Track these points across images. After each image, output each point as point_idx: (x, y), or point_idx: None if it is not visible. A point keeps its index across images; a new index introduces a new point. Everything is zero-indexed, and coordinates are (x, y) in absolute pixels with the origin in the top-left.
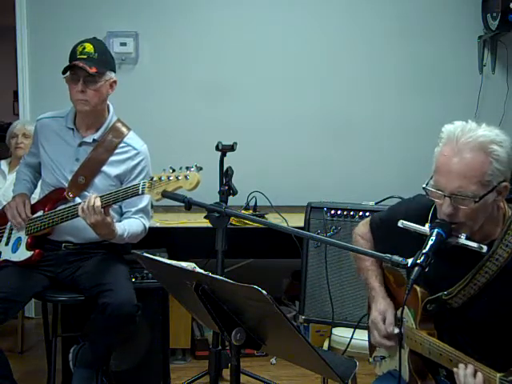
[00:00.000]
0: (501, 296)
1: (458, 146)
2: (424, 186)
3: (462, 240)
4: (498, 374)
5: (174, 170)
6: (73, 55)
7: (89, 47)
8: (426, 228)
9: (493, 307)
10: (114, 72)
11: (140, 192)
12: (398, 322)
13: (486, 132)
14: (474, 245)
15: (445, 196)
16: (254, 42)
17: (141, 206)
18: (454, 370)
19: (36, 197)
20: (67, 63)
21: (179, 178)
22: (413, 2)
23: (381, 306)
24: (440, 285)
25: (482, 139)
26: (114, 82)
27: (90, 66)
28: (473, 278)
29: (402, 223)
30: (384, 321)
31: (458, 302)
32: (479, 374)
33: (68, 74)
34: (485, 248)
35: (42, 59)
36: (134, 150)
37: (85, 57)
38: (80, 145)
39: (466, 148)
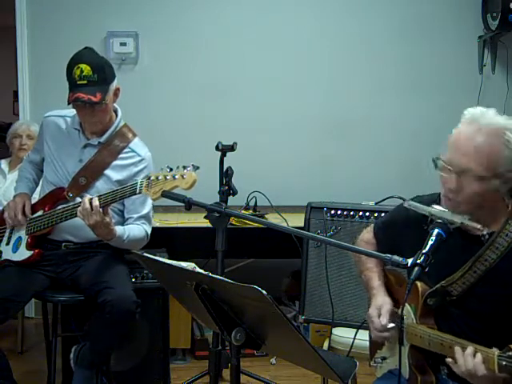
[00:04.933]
0: (500, 285)
1: (475, 126)
2: (434, 157)
3: (466, 220)
4: (496, 352)
5: (171, 169)
6: (71, 80)
7: (86, 69)
8: (430, 208)
9: (492, 296)
10: (115, 77)
11: (137, 191)
12: (397, 318)
13: (504, 120)
14: (478, 226)
15: (452, 171)
16: (254, 42)
17: (143, 212)
18: (451, 359)
19: (36, 197)
20: (67, 62)
21: (176, 177)
22: (413, 2)
23: (378, 301)
24: (440, 275)
25: (498, 125)
26: (118, 89)
27: (93, 94)
28: (472, 265)
29: (408, 204)
30: (379, 316)
31: (457, 290)
32: (478, 354)
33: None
34: (486, 229)
35: (42, 59)
36: (137, 157)
37: (85, 82)
38: (85, 146)
39: (482, 130)
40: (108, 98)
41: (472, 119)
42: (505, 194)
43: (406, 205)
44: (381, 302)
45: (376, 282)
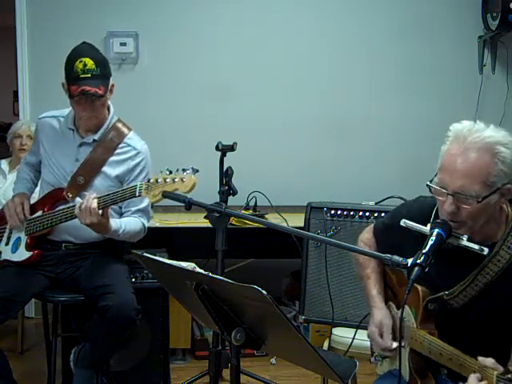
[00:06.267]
0: (501, 297)
1: (465, 145)
2: (428, 183)
3: (464, 241)
4: (495, 372)
5: (170, 172)
6: (73, 74)
7: (89, 63)
8: (427, 228)
9: (493, 308)
10: (112, 74)
11: (137, 194)
12: (397, 332)
13: (493, 133)
14: (475, 247)
15: (448, 194)
16: (254, 42)
17: (141, 206)
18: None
19: (36, 196)
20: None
21: (175, 180)
22: (413, 2)
23: (377, 318)
24: (442, 285)
25: (488, 140)
26: (113, 85)
27: (98, 87)
28: (474, 278)
29: (404, 222)
30: (381, 335)
31: (459, 303)
32: (477, 374)
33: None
34: (486, 250)
35: (42, 59)
36: (134, 150)
37: (88, 75)
38: (80, 145)
39: (472, 148)
40: (108, 92)
41: (461, 137)
42: (503, 203)
43: (402, 223)
44: (379, 318)
45: (373, 291)
